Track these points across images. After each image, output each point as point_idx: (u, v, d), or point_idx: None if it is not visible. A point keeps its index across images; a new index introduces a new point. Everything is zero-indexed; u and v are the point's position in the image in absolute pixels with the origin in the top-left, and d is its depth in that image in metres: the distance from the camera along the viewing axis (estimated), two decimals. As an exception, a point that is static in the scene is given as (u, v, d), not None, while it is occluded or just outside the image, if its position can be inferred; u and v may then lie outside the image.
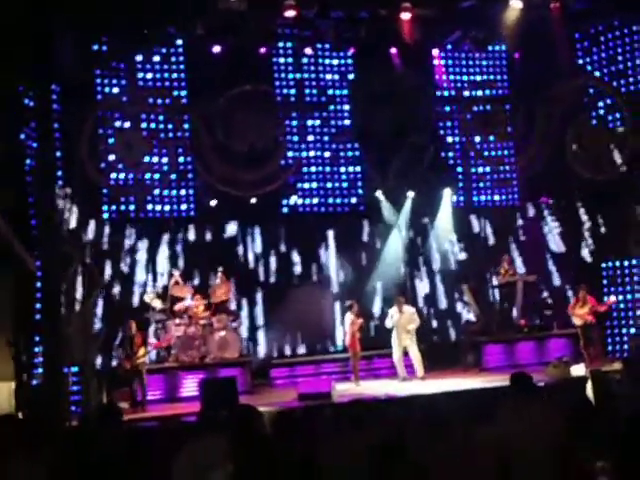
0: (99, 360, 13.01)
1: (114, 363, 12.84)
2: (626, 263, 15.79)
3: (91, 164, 14.22)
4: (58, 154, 12.49)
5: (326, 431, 5.53)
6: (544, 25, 14.94)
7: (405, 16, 14.47)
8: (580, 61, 16.42)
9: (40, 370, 11.22)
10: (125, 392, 12.44)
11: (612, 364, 13.00)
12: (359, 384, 13.86)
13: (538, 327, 15.69)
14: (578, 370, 12.69)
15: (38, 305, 11.43)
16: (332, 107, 16.35)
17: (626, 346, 15.41)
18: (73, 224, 12.49)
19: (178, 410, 11.96)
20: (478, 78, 17.10)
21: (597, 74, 16.33)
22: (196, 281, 14.96)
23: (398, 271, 16.37)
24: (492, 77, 17.17)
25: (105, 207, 14.81)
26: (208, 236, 15.46)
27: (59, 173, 12.63)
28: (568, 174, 16.12)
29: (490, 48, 16.99)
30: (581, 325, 14.30)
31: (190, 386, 13.42)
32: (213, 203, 15.45)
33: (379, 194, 16.49)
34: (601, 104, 16.29)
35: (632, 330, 15.55)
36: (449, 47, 16.82)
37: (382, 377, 14.77)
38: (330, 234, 16.16)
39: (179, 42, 15.31)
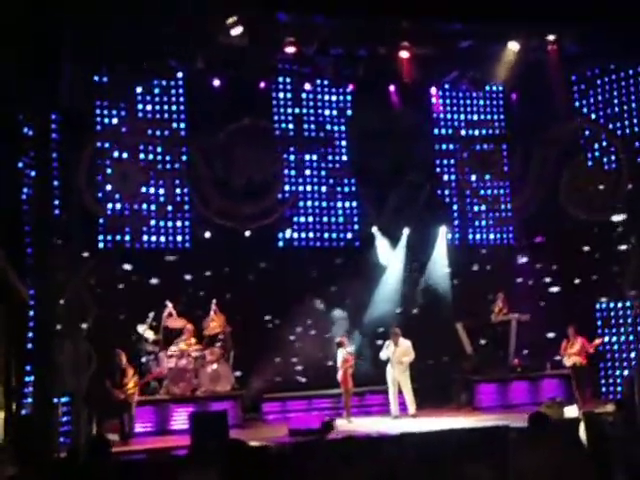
0: (89, 391, 12.91)
1: (104, 394, 12.74)
2: (620, 304, 15.80)
3: (88, 194, 14.25)
4: (56, 183, 12.50)
5: (317, 468, 5.50)
6: (541, 67, 15.13)
7: (404, 55, 14.63)
8: (577, 103, 16.59)
9: (30, 400, 11.12)
10: (115, 424, 12.34)
11: (605, 406, 12.96)
12: (351, 420, 13.78)
13: (531, 367, 15.65)
14: (571, 411, 12.64)
15: (30, 334, 11.36)
16: (330, 144, 16.48)
17: (619, 388, 15.36)
18: (68, 253, 12.46)
19: (168, 443, 11.87)
20: (475, 117, 17.29)
21: (593, 117, 16.50)
22: (189, 313, 14.90)
23: (393, 308, 16.33)
24: (489, 117, 17.36)
25: (101, 237, 14.83)
26: (202, 268, 15.44)
27: (56, 202, 12.63)
28: (563, 215, 16.19)
29: (487, 88, 17.19)
30: (571, 366, 14.30)
31: (181, 419, 13.30)
32: (207, 235, 15.46)
33: (375, 230, 16.54)
34: (597, 146, 16.43)
35: (625, 372, 15.50)
36: (447, 86, 17.02)
37: (374, 414, 14.70)
38: (324, 269, 16.15)
39: (179, 75, 15.46)
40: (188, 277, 15.32)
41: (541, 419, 5.82)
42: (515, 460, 5.14)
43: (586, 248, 15.97)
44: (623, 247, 12.82)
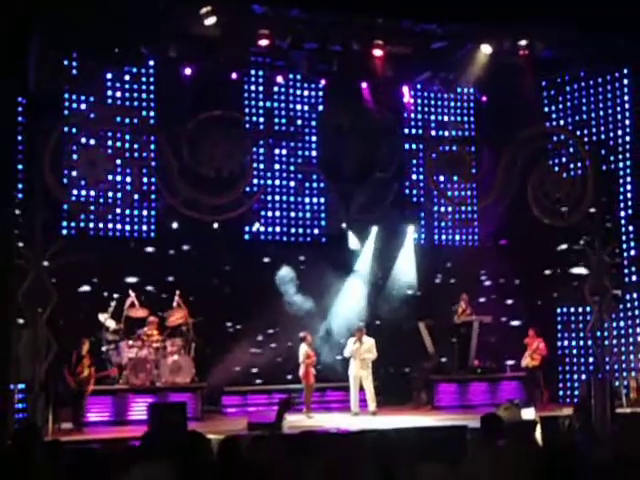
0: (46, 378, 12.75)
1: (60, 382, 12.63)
2: (580, 309, 15.98)
3: (53, 179, 14.02)
4: (20, 167, 12.32)
5: (273, 461, 5.48)
6: (512, 71, 15.23)
7: (377, 52, 14.64)
8: (546, 109, 16.74)
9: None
10: (69, 412, 12.24)
11: (562, 409, 13.13)
12: (311, 416, 13.79)
13: (491, 369, 15.79)
14: (528, 413, 12.75)
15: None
16: (300, 139, 16.45)
17: (577, 392, 15.54)
18: (30, 238, 12.28)
19: (124, 433, 11.76)
20: (445, 118, 17.35)
21: (562, 122, 16.65)
22: (152, 303, 14.78)
23: (358, 305, 16.35)
24: (459, 118, 17.43)
25: (64, 223, 14.65)
26: (167, 258, 15.34)
27: (19, 186, 12.45)
28: (529, 219, 16.30)
29: (459, 90, 17.26)
30: (524, 367, 14.90)
31: (139, 409, 13.22)
32: (174, 226, 15.36)
33: (343, 226, 16.54)
34: (564, 152, 16.57)
35: (583, 376, 15.70)
36: (419, 86, 17.06)
37: (334, 410, 14.74)
38: (290, 263, 16.11)
39: (150, 62, 15.30)
40: (152, 267, 15.19)
41: (493, 420, 5.85)
42: (467, 460, 5.18)
43: (550, 252, 16.12)
44: (583, 248, 12.93)
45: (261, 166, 16.16)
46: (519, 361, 15.40)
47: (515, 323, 16.54)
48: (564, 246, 15.72)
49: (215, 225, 15.52)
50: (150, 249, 15.35)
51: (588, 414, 11.82)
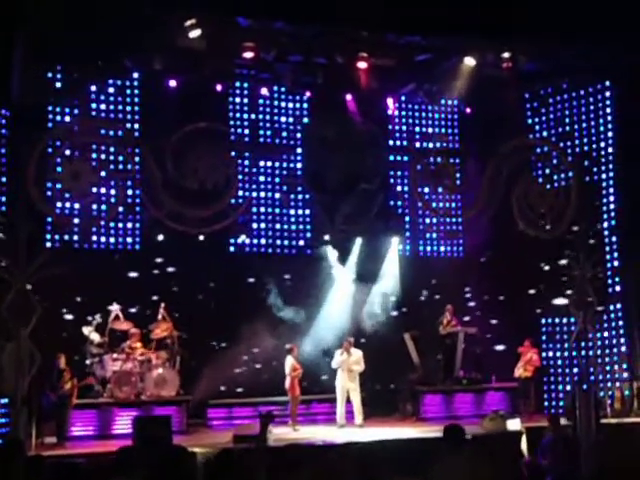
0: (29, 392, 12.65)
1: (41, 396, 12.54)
2: (565, 320, 16.04)
3: (37, 191, 13.98)
4: (3, 180, 12.28)
5: (259, 474, 5.46)
6: (496, 83, 15.34)
7: (361, 65, 14.71)
8: (529, 120, 16.85)
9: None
10: (52, 426, 12.15)
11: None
12: (297, 428, 13.74)
13: (476, 379, 15.80)
14: (514, 424, 12.78)
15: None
16: (285, 151, 16.46)
17: (562, 402, 15.59)
18: (14, 251, 12.20)
19: (109, 447, 11.66)
20: (430, 130, 17.42)
21: (545, 134, 16.77)
22: (137, 316, 14.71)
23: (343, 317, 16.32)
24: (443, 130, 17.51)
25: (48, 236, 14.58)
26: (152, 271, 15.29)
27: (3, 199, 12.40)
28: (513, 230, 16.39)
29: (443, 102, 17.35)
30: (517, 377, 14.87)
31: (124, 423, 13.11)
32: (160, 238, 15.32)
33: (327, 238, 16.54)
34: (547, 163, 16.69)
35: (568, 387, 15.74)
36: (403, 98, 17.14)
37: (320, 422, 14.70)
38: (276, 275, 16.09)
39: (135, 75, 15.29)
40: (137, 280, 15.13)
41: (455, 431, 5.83)
42: (433, 472, 5.15)
43: (535, 263, 16.19)
44: (568, 263, 12.98)
45: (246, 178, 16.16)
46: (504, 372, 15.43)
47: (500, 334, 16.55)
48: (547, 267, 15.80)
49: (200, 237, 15.49)
50: (135, 261, 15.27)
51: (572, 424, 11.87)
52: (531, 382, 15.11)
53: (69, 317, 14.36)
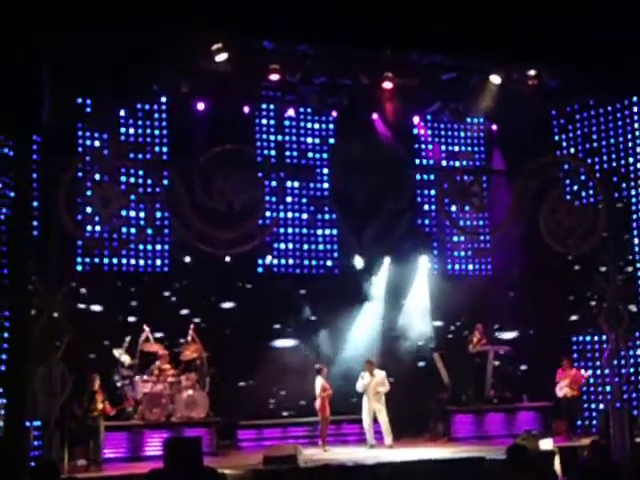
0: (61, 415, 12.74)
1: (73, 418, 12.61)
2: (596, 338, 15.87)
3: (67, 216, 14.12)
4: (35, 204, 12.43)
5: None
6: (522, 100, 15.30)
7: (387, 85, 14.76)
8: (556, 137, 16.78)
9: (1, 423, 10.96)
10: (83, 449, 12.21)
11: (580, 439, 12.99)
12: (327, 449, 13.69)
13: (508, 399, 15.66)
14: (546, 444, 12.63)
15: (4, 356, 11.22)
16: (312, 172, 16.54)
17: (595, 422, 15.38)
18: (46, 275, 12.35)
19: (140, 469, 11.69)
20: (456, 149, 17.42)
21: (572, 151, 16.68)
22: (166, 338, 14.79)
23: (373, 337, 16.30)
24: (470, 148, 17.50)
25: (79, 259, 14.74)
26: (181, 293, 15.38)
27: (35, 223, 12.55)
28: (542, 248, 16.27)
29: (468, 120, 17.34)
30: (562, 397, 14.56)
31: (154, 445, 13.16)
32: (187, 259, 15.42)
33: (356, 258, 16.54)
34: (575, 180, 16.57)
35: (601, 406, 15.54)
36: (429, 117, 17.15)
37: (350, 443, 14.64)
38: (305, 296, 16.11)
39: (163, 99, 15.48)
40: (166, 301, 15.23)
41: (520, 452, 5.81)
42: None
43: (564, 281, 16.05)
44: (599, 280, 12.87)
45: (273, 199, 16.23)
46: (535, 391, 15.27)
47: (531, 353, 16.40)
48: (577, 285, 15.65)
49: (227, 258, 15.56)
50: (164, 283, 15.37)
51: (607, 444, 11.70)
52: (579, 401, 14.92)
53: (99, 339, 14.45)
